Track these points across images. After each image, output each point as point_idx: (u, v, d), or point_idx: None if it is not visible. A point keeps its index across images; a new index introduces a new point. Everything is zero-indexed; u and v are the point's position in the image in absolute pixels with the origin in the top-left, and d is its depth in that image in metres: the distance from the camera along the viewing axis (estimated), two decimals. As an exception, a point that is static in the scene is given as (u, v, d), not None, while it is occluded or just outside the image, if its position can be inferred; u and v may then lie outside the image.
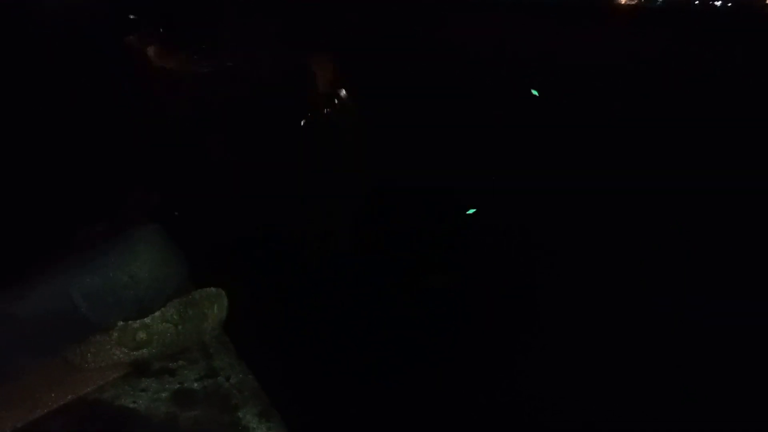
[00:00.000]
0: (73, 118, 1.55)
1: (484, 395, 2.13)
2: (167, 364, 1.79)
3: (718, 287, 2.52)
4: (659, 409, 2.11)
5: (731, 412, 2.07)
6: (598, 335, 2.33)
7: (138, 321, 1.72)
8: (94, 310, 1.56)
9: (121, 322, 1.69)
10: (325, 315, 1.98)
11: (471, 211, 2.65)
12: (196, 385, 1.74)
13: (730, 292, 2.51)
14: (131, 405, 1.64)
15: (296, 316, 2.02)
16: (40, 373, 1.65)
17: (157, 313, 1.74)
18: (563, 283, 2.58)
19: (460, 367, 2.21)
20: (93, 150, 1.54)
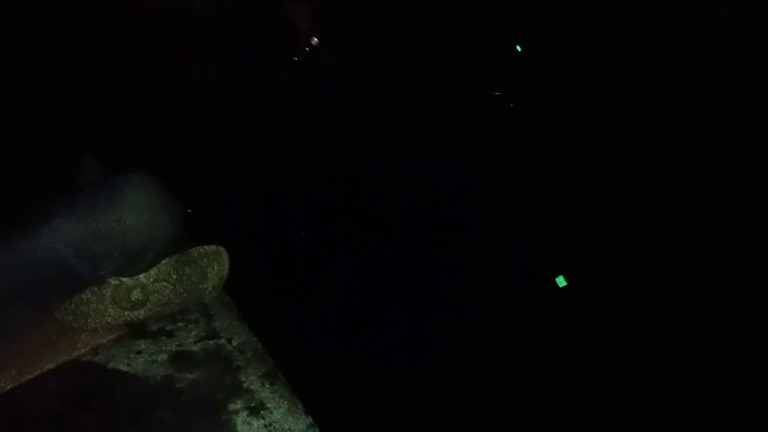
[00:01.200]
0: (61, 55, 1.44)
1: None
2: (164, 325, 1.69)
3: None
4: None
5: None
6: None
7: (132, 279, 1.62)
8: (80, 259, 1.45)
9: (115, 280, 1.59)
10: (331, 275, 1.88)
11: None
12: (195, 347, 1.65)
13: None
14: (126, 368, 1.56)
15: (301, 275, 1.91)
16: (31, 332, 1.56)
17: (152, 271, 1.64)
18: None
19: (472, 333, 2.12)
20: (80, 90, 1.42)
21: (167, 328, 1.68)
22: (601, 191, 2.70)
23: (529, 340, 2.11)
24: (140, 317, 1.65)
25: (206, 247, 1.75)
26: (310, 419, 1.54)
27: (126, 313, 1.62)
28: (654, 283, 2.33)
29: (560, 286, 2.41)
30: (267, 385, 1.59)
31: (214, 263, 1.76)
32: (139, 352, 1.60)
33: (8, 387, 1.47)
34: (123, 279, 1.59)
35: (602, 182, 2.72)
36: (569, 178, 2.74)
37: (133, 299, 1.62)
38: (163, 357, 1.60)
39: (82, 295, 1.56)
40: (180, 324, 1.71)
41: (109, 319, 1.62)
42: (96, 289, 1.58)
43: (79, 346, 1.58)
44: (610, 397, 1.95)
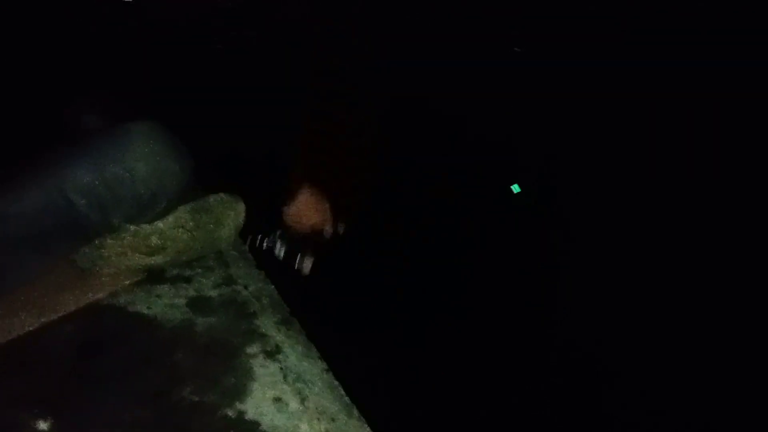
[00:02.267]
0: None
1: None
2: (182, 271, 1.72)
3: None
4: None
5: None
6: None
7: (150, 225, 1.63)
8: (90, 207, 1.46)
9: (133, 227, 1.60)
10: (348, 224, 1.88)
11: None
12: (212, 292, 1.67)
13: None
14: (146, 311, 1.58)
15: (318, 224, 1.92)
16: (51, 276, 1.59)
17: (170, 218, 1.66)
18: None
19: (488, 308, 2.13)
20: (86, 36, 1.41)
21: (185, 274, 1.71)
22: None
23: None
24: (158, 262, 1.67)
25: (223, 194, 1.77)
26: (324, 364, 1.56)
27: (144, 258, 1.64)
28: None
29: (515, 192, 2.41)
30: (282, 330, 1.61)
31: (231, 211, 1.77)
32: (158, 296, 1.62)
33: (27, 330, 1.49)
34: (142, 225, 1.61)
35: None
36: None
37: (151, 245, 1.64)
38: (181, 301, 1.62)
39: (101, 240, 1.58)
40: (198, 270, 1.73)
41: (128, 264, 1.64)
42: (115, 234, 1.60)
43: (99, 290, 1.60)
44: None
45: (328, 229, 1.79)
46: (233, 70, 1.67)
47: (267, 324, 1.62)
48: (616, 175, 2.66)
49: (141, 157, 1.51)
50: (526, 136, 2.68)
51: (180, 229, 1.67)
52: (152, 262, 1.66)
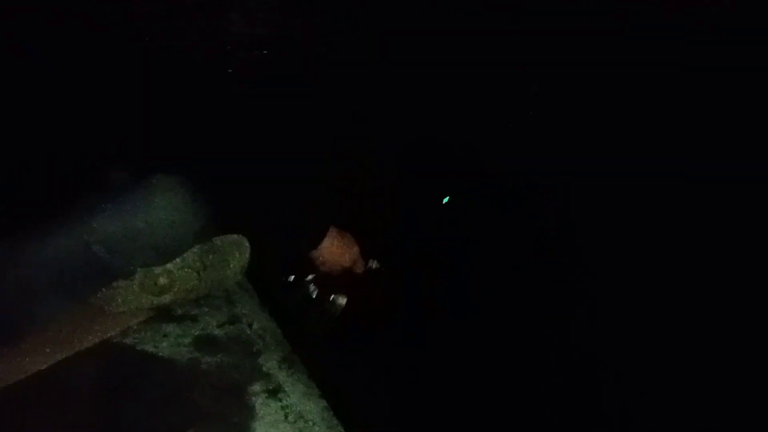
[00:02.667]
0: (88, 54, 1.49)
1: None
2: (190, 310, 1.79)
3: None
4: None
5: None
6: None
7: (160, 267, 1.71)
8: (113, 256, 1.54)
9: (144, 268, 1.68)
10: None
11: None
12: (218, 331, 1.74)
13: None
14: (153, 350, 1.66)
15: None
16: (66, 317, 1.66)
17: (178, 259, 1.73)
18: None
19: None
20: (111, 93, 1.49)
21: (192, 313, 1.78)
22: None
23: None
24: (166, 302, 1.75)
25: (229, 235, 1.84)
26: (324, 402, 1.63)
27: (153, 298, 1.72)
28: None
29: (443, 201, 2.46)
30: (285, 369, 1.68)
31: (236, 251, 1.85)
32: (165, 336, 1.69)
33: (44, 367, 1.57)
34: (152, 267, 1.68)
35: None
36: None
37: (160, 285, 1.71)
38: (188, 340, 1.69)
39: (114, 282, 1.66)
40: (204, 309, 1.80)
41: (138, 304, 1.71)
42: (126, 276, 1.67)
43: (110, 329, 1.68)
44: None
45: (359, 267, 1.86)
46: (249, 111, 1.74)
47: (270, 363, 1.69)
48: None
49: (161, 210, 1.59)
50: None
51: (188, 269, 1.75)
52: (161, 301, 1.74)
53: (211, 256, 1.79)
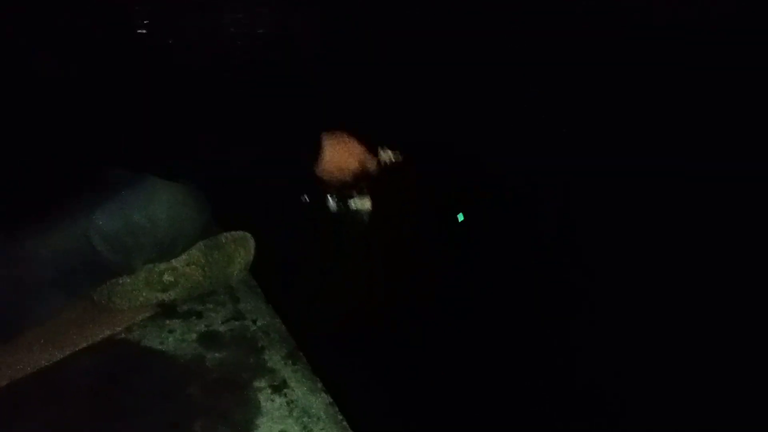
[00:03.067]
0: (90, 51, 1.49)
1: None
2: (194, 306, 1.79)
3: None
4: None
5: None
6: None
7: (164, 263, 1.71)
8: (114, 252, 1.54)
9: (149, 265, 1.68)
10: (352, 257, 1.96)
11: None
12: (222, 327, 1.75)
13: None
14: (159, 346, 1.66)
15: (324, 258, 1.99)
16: (70, 313, 1.67)
17: (183, 256, 1.73)
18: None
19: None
20: (111, 92, 1.49)
21: (197, 309, 1.78)
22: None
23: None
24: (171, 298, 1.75)
25: (233, 232, 1.84)
26: (329, 398, 1.63)
27: (158, 294, 1.72)
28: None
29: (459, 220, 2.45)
30: (289, 365, 1.68)
31: (241, 248, 1.85)
32: (170, 332, 1.70)
33: (46, 363, 1.57)
34: (156, 263, 1.69)
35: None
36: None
37: (164, 281, 1.72)
38: (192, 336, 1.70)
39: (118, 279, 1.66)
40: (209, 305, 1.80)
41: (142, 300, 1.71)
42: (130, 272, 1.68)
43: (114, 325, 1.68)
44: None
45: (371, 164, 1.74)
46: (250, 107, 1.74)
47: (274, 358, 1.69)
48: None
49: (162, 206, 1.59)
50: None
51: (192, 266, 1.75)
52: (165, 297, 1.74)
53: (215, 253, 1.80)
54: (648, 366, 2.08)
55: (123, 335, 1.67)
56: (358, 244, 1.89)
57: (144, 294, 1.71)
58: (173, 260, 1.73)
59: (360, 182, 1.74)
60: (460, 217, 2.25)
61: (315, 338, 1.79)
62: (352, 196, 1.76)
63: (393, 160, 1.79)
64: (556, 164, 2.80)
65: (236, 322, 1.77)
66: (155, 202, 1.63)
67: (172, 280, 1.73)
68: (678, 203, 2.69)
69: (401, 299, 2.02)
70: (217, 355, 1.66)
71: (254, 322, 1.78)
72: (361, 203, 1.77)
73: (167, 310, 1.75)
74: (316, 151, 1.65)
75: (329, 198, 1.77)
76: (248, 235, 1.86)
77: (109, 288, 1.68)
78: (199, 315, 1.77)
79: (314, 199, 1.79)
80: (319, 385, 1.65)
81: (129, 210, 1.59)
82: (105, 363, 1.60)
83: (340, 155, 1.68)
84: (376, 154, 1.77)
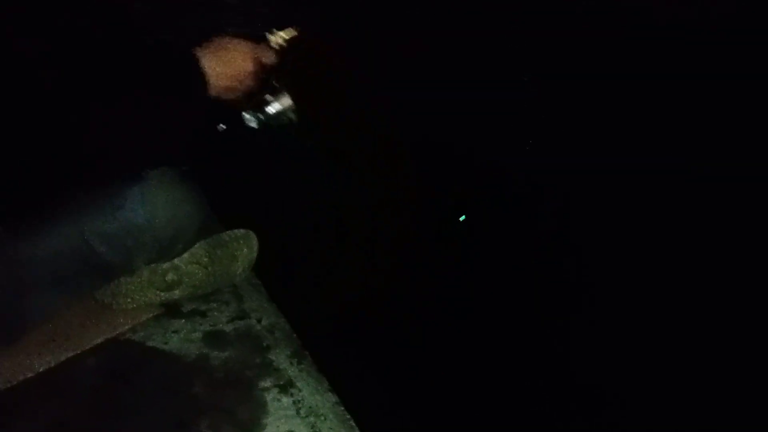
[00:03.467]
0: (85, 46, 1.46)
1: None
2: (198, 305, 1.78)
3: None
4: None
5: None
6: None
7: (167, 262, 1.70)
8: (115, 252, 1.53)
9: (151, 264, 1.67)
10: (355, 256, 1.95)
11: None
12: (227, 327, 1.73)
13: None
14: (163, 346, 1.65)
15: (327, 256, 1.99)
16: (73, 313, 1.65)
17: (186, 255, 1.72)
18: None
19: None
20: (108, 87, 1.46)
21: (201, 309, 1.77)
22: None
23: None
24: (175, 298, 1.73)
25: (236, 230, 1.83)
26: (335, 397, 1.62)
27: (162, 293, 1.71)
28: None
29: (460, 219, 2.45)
30: (295, 364, 1.67)
31: (244, 246, 1.83)
32: (174, 331, 1.68)
33: (51, 364, 1.55)
34: (159, 263, 1.67)
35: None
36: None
37: (168, 281, 1.70)
38: (197, 336, 1.68)
39: (121, 278, 1.64)
40: (213, 305, 1.79)
41: (146, 299, 1.70)
42: (133, 272, 1.66)
43: (118, 325, 1.66)
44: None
45: (265, 56, 1.48)
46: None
47: (280, 358, 1.68)
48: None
49: (160, 204, 1.56)
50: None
51: (196, 265, 1.73)
52: (169, 297, 1.72)
53: (218, 251, 1.78)
54: (648, 366, 2.09)
55: (127, 335, 1.65)
56: (363, 240, 1.88)
57: (147, 294, 1.70)
58: (176, 259, 1.71)
59: (266, 80, 1.50)
60: (462, 218, 2.26)
61: (320, 337, 1.78)
62: (267, 101, 1.54)
63: (288, 37, 1.51)
64: (553, 162, 2.80)
65: (241, 321, 1.76)
66: (152, 201, 1.60)
67: (176, 278, 1.71)
68: (678, 203, 2.70)
69: (406, 297, 2.02)
70: (222, 354, 1.65)
71: (259, 321, 1.77)
72: (280, 102, 1.54)
73: (171, 310, 1.74)
74: (199, 72, 1.39)
75: (245, 115, 1.55)
76: (251, 232, 1.84)
77: (112, 288, 1.66)
78: (203, 314, 1.76)
79: (232, 123, 1.60)
80: (326, 384, 1.65)
81: (126, 209, 1.57)
82: (110, 363, 1.58)
83: (226, 64, 1.41)
84: (267, 43, 1.50)
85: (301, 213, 1.84)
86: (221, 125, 1.60)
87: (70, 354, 1.59)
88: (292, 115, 1.55)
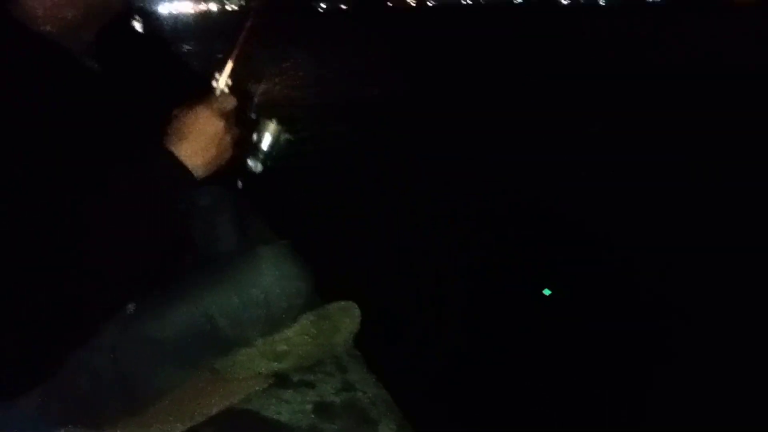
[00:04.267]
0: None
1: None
2: (305, 376, 1.82)
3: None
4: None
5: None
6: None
7: (278, 334, 1.75)
8: (233, 327, 1.61)
9: (265, 336, 1.72)
10: (445, 324, 1.98)
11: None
12: (334, 398, 1.77)
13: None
14: (276, 416, 1.68)
15: (424, 324, 2.03)
16: (190, 384, 1.70)
17: (296, 326, 1.77)
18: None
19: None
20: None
21: (308, 380, 1.81)
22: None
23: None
24: (284, 368, 1.78)
25: (340, 302, 1.88)
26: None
27: (273, 364, 1.75)
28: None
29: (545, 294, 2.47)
30: (402, 437, 1.69)
31: (347, 317, 1.88)
32: (286, 402, 1.72)
33: (171, 433, 1.59)
34: (272, 335, 1.72)
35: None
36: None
37: (278, 351, 1.75)
38: (307, 407, 1.72)
39: (237, 350, 1.69)
40: (319, 375, 1.83)
41: (257, 370, 1.74)
42: (246, 343, 1.71)
43: (234, 395, 1.71)
44: None
45: (226, 104, 1.30)
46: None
47: (385, 430, 1.70)
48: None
49: (273, 280, 1.64)
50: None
51: (305, 336, 1.78)
52: (279, 367, 1.77)
53: (324, 323, 1.83)
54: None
55: (242, 406, 1.70)
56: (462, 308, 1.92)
57: (259, 364, 1.74)
58: (286, 330, 1.76)
59: (243, 121, 1.39)
60: (546, 292, 2.30)
61: (423, 409, 1.80)
62: (257, 138, 1.45)
63: (229, 80, 1.31)
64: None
65: (346, 393, 1.79)
66: (266, 276, 1.68)
67: (286, 349, 1.76)
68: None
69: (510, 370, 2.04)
70: (332, 426, 1.68)
71: (364, 392, 1.80)
72: (268, 131, 1.45)
73: (281, 381, 1.78)
74: (176, 163, 1.25)
75: (249, 163, 1.48)
76: (354, 304, 1.89)
77: (228, 359, 1.71)
78: (311, 385, 1.79)
79: (242, 180, 1.56)
80: (434, 458, 1.66)
81: (243, 286, 1.65)
82: (228, 433, 1.61)
83: (194, 142, 1.25)
84: (217, 93, 1.30)
85: (399, 283, 1.88)
86: (239, 182, 1.57)
87: (186, 426, 1.63)
88: (285, 136, 1.47)
